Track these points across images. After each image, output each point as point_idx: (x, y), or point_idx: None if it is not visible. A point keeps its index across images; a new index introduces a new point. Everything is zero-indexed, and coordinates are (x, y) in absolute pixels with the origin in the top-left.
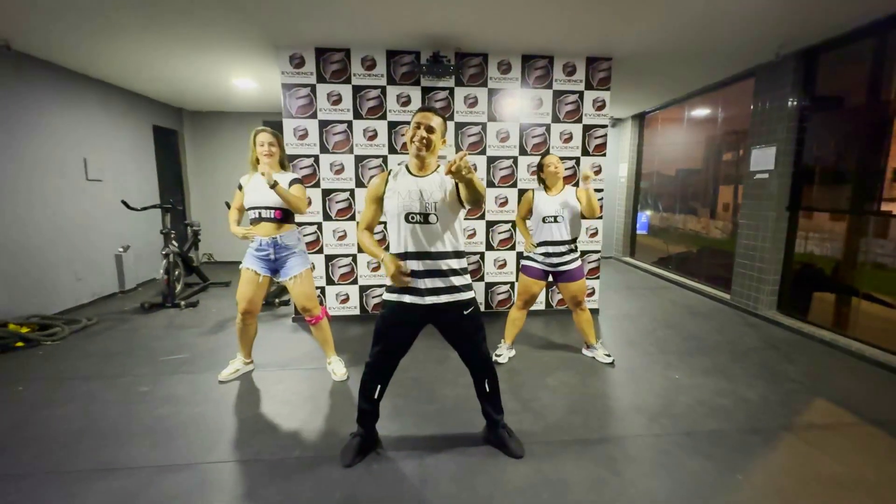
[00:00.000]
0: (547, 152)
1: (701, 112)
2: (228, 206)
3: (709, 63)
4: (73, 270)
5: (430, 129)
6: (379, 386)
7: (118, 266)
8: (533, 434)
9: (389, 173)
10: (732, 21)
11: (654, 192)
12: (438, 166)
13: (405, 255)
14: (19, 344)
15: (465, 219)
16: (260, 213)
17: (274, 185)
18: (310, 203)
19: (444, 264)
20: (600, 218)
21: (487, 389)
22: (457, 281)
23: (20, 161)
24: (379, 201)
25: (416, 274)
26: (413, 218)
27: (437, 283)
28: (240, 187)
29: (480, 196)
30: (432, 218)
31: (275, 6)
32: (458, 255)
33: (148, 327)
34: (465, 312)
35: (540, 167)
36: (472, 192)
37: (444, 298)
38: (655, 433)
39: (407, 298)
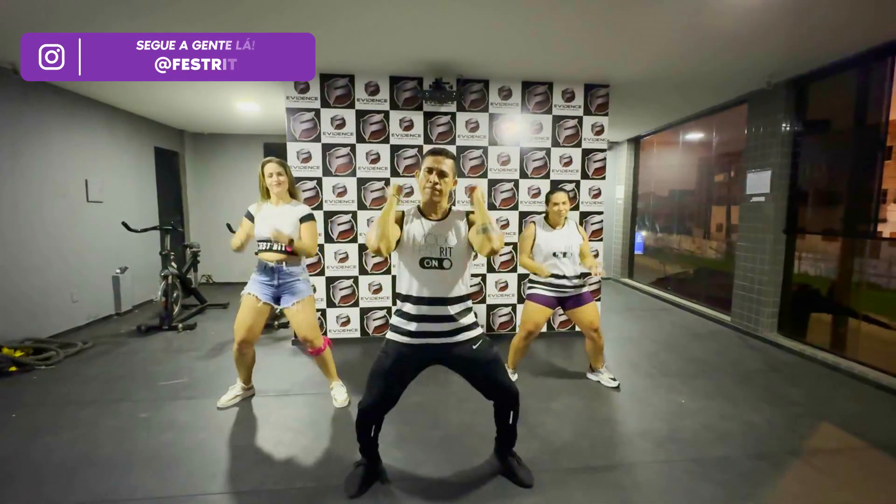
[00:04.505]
0: (557, 188)
1: (695, 136)
2: (230, 227)
3: (703, 90)
4: (70, 292)
5: (441, 174)
6: (374, 426)
7: (115, 288)
8: (541, 461)
9: (403, 213)
10: (723, 53)
11: (651, 213)
12: (450, 209)
13: (415, 299)
14: (12, 368)
15: None
16: (270, 247)
17: (290, 243)
18: None
19: (453, 309)
20: (600, 240)
21: (511, 420)
22: (463, 321)
23: (24, 182)
24: (399, 223)
25: (425, 318)
26: (428, 263)
27: (445, 326)
28: (250, 217)
29: (493, 240)
30: (446, 263)
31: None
32: (464, 298)
33: (145, 350)
34: (475, 347)
35: (546, 201)
36: (485, 239)
37: (451, 339)
38: (663, 459)
39: (414, 340)
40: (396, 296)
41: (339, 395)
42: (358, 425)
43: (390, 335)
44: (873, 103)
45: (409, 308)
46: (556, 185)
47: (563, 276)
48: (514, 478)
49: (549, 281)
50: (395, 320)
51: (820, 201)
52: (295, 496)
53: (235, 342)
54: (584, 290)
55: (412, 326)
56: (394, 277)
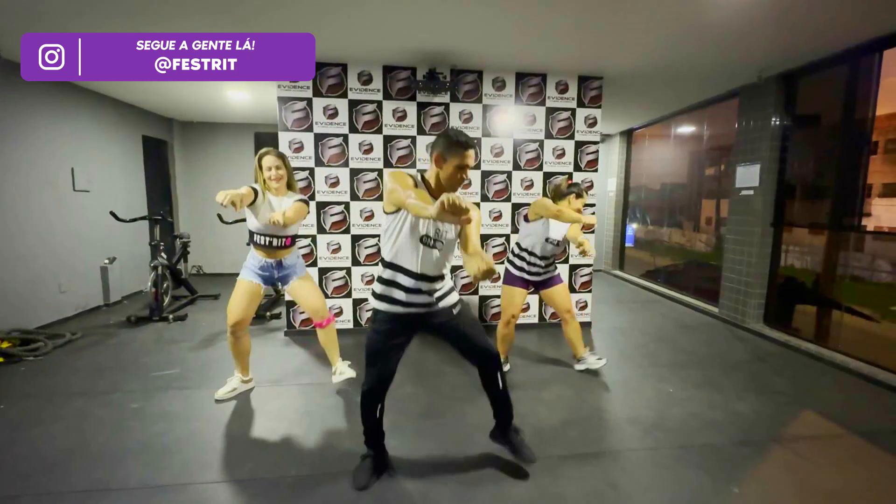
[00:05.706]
0: (581, 188)
1: (686, 129)
2: (220, 218)
3: (695, 84)
4: (58, 283)
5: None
6: (379, 405)
7: (103, 278)
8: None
9: (416, 183)
10: (715, 46)
11: (643, 206)
12: None
13: (402, 270)
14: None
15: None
16: (271, 242)
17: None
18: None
19: (435, 285)
20: (592, 232)
21: (501, 386)
22: (444, 291)
23: (9, 171)
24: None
25: (418, 291)
26: (426, 241)
27: (426, 298)
28: (254, 191)
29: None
30: (438, 245)
31: (273, 22)
32: (444, 277)
33: (136, 341)
34: (455, 311)
35: (561, 194)
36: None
37: (433, 308)
38: (651, 446)
39: (405, 309)
40: (385, 264)
41: (347, 370)
42: (363, 408)
43: (378, 304)
44: (861, 98)
45: (403, 280)
46: (576, 185)
47: (544, 258)
48: (518, 454)
49: (526, 268)
50: (382, 289)
51: (807, 195)
52: (288, 484)
53: (228, 325)
54: (555, 272)
55: (404, 297)
56: None
